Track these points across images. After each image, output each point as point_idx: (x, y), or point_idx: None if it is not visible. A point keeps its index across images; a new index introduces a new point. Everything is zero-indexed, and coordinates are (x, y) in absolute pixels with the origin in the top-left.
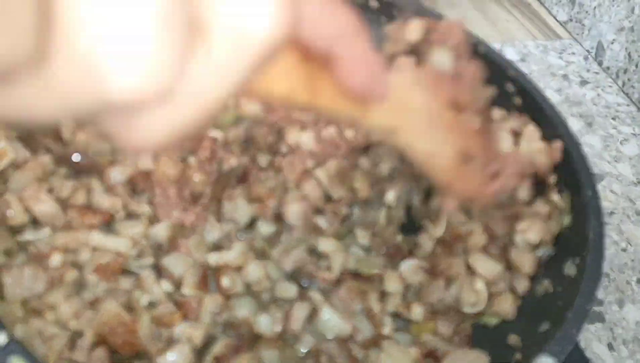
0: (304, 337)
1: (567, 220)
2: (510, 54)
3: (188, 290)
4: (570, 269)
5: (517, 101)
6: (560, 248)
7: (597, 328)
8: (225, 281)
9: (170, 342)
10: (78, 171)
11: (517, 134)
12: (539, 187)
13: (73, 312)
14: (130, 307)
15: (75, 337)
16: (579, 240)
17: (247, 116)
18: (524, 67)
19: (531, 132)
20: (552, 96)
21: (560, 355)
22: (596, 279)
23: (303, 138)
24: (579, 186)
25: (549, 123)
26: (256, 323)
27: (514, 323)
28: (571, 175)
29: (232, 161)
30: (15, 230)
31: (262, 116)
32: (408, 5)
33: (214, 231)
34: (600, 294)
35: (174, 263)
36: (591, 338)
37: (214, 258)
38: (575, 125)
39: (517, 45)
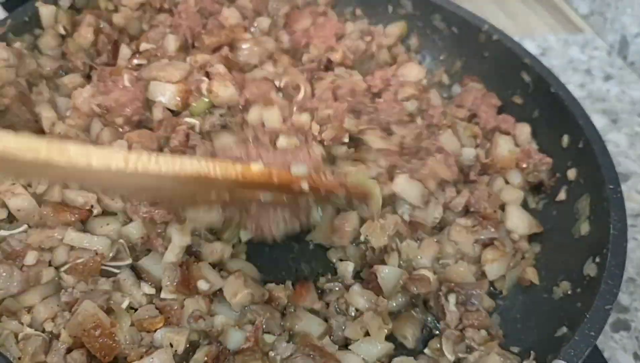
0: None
1: (584, 228)
2: (530, 47)
3: (168, 293)
4: (590, 268)
5: (533, 89)
6: (580, 248)
7: (622, 336)
8: (201, 284)
9: (151, 347)
10: None
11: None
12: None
13: (49, 313)
14: (109, 309)
15: (51, 339)
16: (600, 237)
17: (220, 104)
18: (544, 62)
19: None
20: (575, 92)
21: (574, 360)
22: (617, 278)
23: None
24: (600, 183)
25: (569, 115)
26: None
27: (530, 329)
28: (592, 172)
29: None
30: None
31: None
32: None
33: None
34: (625, 300)
35: (152, 264)
36: (615, 347)
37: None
38: (599, 122)
39: (537, 38)
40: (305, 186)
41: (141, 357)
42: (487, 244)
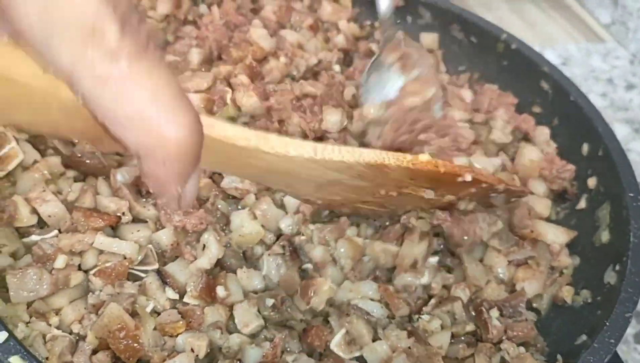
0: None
1: (605, 236)
2: (551, 57)
3: (191, 298)
4: (610, 276)
5: (553, 98)
6: (600, 257)
7: None
8: (219, 291)
9: (173, 351)
10: (86, 173)
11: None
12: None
13: (76, 316)
14: (134, 312)
15: (77, 340)
16: (620, 246)
17: (245, 112)
18: (565, 71)
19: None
20: (596, 101)
21: None
22: (637, 285)
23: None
24: (620, 191)
25: (588, 123)
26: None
27: (549, 337)
28: (612, 180)
29: None
30: (22, 232)
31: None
32: (442, 8)
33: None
34: None
35: (178, 270)
36: (639, 358)
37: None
38: (621, 131)
39: (557, 48)
40: (469, 177)
41: (163, 360)
42: (520, 264)
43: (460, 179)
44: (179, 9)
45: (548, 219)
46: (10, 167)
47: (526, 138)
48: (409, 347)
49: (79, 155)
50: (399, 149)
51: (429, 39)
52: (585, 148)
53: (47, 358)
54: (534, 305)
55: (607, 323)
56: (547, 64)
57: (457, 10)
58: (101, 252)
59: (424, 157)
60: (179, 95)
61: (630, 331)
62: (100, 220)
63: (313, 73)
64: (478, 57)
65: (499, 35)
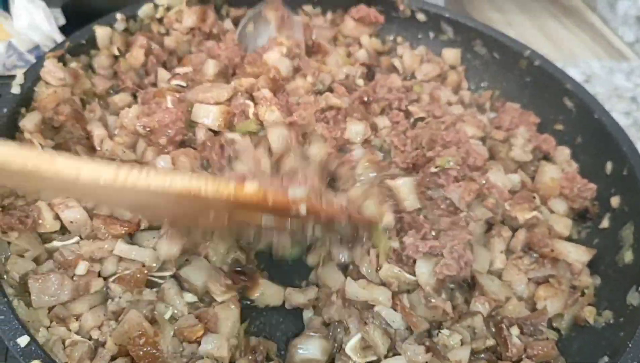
0: None
1: (628, 256)
2: (574, 74)
3: (218, 296)
4: (633, 298)
5: (576, 115)
6: (623, 277)
7: None
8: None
9: (192, 358)
10: None
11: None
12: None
13: (96, 322)
14: (153, 319)
15: (96, 347)
16: None
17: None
18: (588, 89)
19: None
20: (620, 120)
21: None
22: None
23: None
24: None
25: (612, 141)
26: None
27: (571, 358)
28: (637, 200)
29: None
30: (44, 238)
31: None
32: (464, 24)
33: None
34: None
35: (192, 272)
36: None
37: None
38: None
39: (580, 65)
40: (303, 210)
41: None
42: (541, 282)
43: (293, 212)
44: (203, 22)
45: (569, 239)
46: None
47: (546, 157)
48: (427, 362)
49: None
50: (414, 165)
51: (451, 54)
52: (609, 166)
53: None
54: (554, 324)
55: (630, 345)
56: (571, 81)
57: (480, 27)
58: (120, 259)
59: (251, 187)
60: None
61: None
62: (120, 227)
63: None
64: (500, 73)
65: (522, 51)
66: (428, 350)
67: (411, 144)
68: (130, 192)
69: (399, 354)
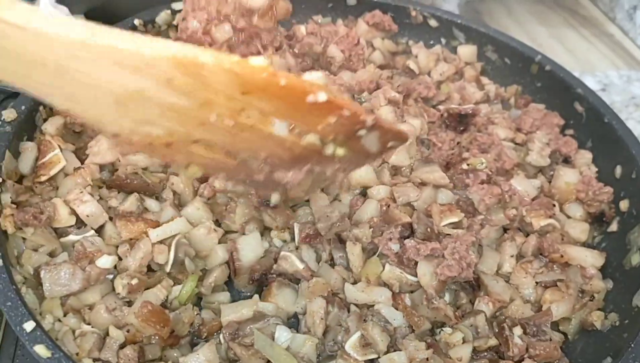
0: None
1: (635, 259)
2: (591, 83)
3: None
4: (639, 300)
5: (587, 120)
6: (630, 280)
7: None
8: None
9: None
10: (130, 192)
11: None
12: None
13: (106, 309)
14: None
15: (104, 336)
16: None
17: None
18: (605, 98)
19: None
20: (636, 128)
21: None
22: None
23: None
24: None
25: (622, 145)
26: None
27: (573, 359)
28: None
29: None
30: (60, 232)
31: None
32: (476, 30)
33: None
34: None
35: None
36: None
37: None
38: None
39: (597, 74)
40: (322, 96)
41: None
42: (548, 286)
43: (310, 98)
44: None
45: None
46: (53, 172)
47: (566, 160)
48: (427, 358)
49: (124, 177)
50: (448, 163)
51: (467, 51)
52: (618, 170)
53: (77, 354)
54: (561, 328)
55: (632, 345)
56: (582, 85)
57: (491, 32)
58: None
59: (257, 60)
60: None
61: None
62: (144, 223)
63: None
64: (512, 78)
65: (533, 56)
66: (429, 346)
67: (449, 143)
68: (116, 61)
69: (400, 350)
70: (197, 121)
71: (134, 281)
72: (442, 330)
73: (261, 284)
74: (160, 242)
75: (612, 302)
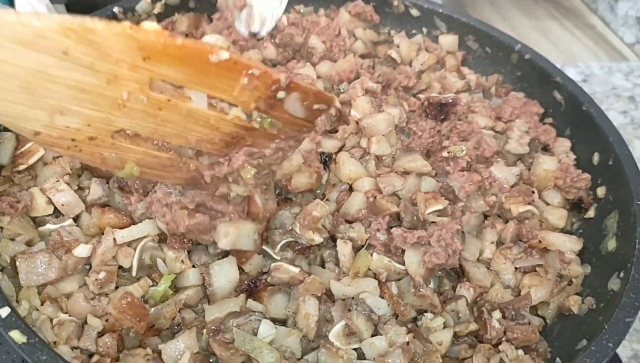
0: None
1: (612, 244)
2: (572, 74)
3: None
4: (614, 283)
5: (566, 108)
6: (607, 265)
7: None
8: None
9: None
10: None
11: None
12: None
13: (84, 298)
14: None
15: (83, 324)
16: (626, 253)
17: None
18: (586, 88)
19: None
20: (617, 118)
21: None
22: (639, 291)
23: None
24: (629, 199)
25: (599, 132)
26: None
27: (550, 343)
28: (621, 189)
29: None
30: (37, 221)
31: None
32: (457, 19)
33: None
34: None
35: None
36: None
37: None
38: None
39: (579, 65)
40: (224, 54)
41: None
42: (527, 271)
43: (213, 58)
44: (196, 29)
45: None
46: (31, 161)
47: (546, 148)
48: (407, 343)
49: None
50: (428, 151)
51: (449, 40)
52: (596, 157)
53: (54, 343)
54: (540, 312)
55: (606, 327)
56: (560, 74)
57: (472, 21)
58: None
59: (150, 25)
60: None
61: None
62: (115, 216)
63: None
64: (492, 68)
65: (513, 46)
66: (410, 331)
67: (429, 132)
68: (2, 42)
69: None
70: (110, 101)
71: (102, 276)
72: (424, 315)
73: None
74: (128, 244)
75: (588, 287)
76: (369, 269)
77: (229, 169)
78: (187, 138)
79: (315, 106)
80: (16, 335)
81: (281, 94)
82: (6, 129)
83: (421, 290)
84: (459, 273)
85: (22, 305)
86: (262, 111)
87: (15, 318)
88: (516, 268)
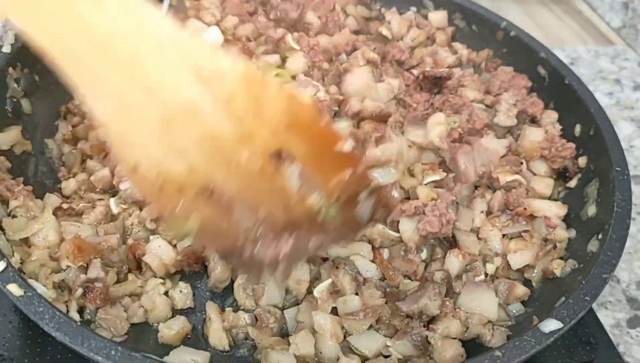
0: None
1: (592, 210)
2: (559, 57)
3: None
4: (593, 245)
5: (549, 82)
6: (587, 229)
7: (639, 333)
8: None
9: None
10: None
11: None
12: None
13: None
14: None
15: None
16: (605, 216)
17: None
18: (573, 70)
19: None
20: (602, 99)
21: (567, 320)
22: (616, 250)
23: None
24: (608, 166)
25: (581, 103)
26: None
27: (531, 303)
28: (601, 157)
29: None
30: None
31: None
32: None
33: None
34: None
35: None
36: (631, 342)
37: None
38: (626, 128)
39: (566, 49)
40: (349, 145)
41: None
42: (514, 237)
43: (339, 146)
44: None
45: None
46: None
47: (533, 120)
48: (380, 305)
49: None
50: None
51: (438, 17)
52: (577, 129)
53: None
54: (526, 275)
55: (584, 282)
56: (544, 49)
57: (459, 0)
58: None
59: (307, 97)
60: None
61: (622, 316)
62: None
63: None
64: (479, 45)
65: (499, 23)
66: (385, 295)
67: (424, 104)
68: (183, 66)
69: None
70: (228, 157)
71: None
72: (403, 281)
73: None
74: None
75: (570, 251)
76: (364, 235)
77: (273, 253)
78: (258, 209)
79: (377, 215)
80: (13, 289)
81: (362, 196)
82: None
83: (409, 255)
84: (452, 243)
85: (14, 258)
86: (336, 207)
87: (12, 272)
88: (504, 235)
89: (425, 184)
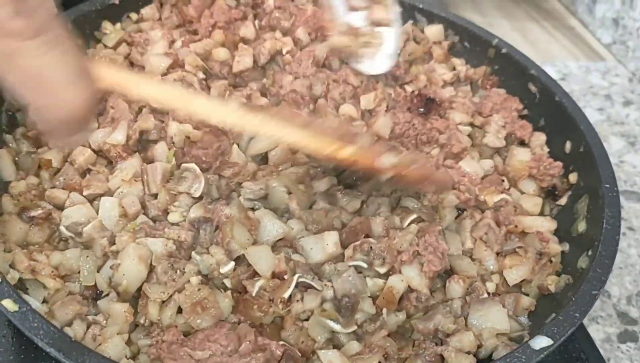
0: None
1: (582, 226)
2: (550, 73)
3: None
4: (583, 262)
5: (540, 99)
6: (577, 246)
7: (630, 348)
8: None
9: None
10: None
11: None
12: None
13: None
14: None
15: None
16: (594, 233)
17: None
18: (564, 86)
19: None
20: (593, 115)
21: (557, 337)
22: (606, 267)
23: None
24: (598, 183)
25: (570, 121)
26: None
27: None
28: (591, 174)
29: None
30: None
31: None
32: (437, 15)
33: None
34: (634, 313)
35: None
36: (622, 357)
37: None
38: (616, 144)
39: (557, 65)
40: (389, 173)
41: None
42: (508, 254)
43: (382, 176)
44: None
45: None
46: None
47: (522, 143)
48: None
49: None
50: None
51: (434, 30)
52: (568, 145)
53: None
54: (524, 290)
55: (573, 299)
56: (535, 66)
57: (451, 17)
58: None
59: (346, 151)
60: (80, 71)
61: (613, 331)
62: None
63: None
64: (471, 62)
65: (491, 40)
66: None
67: (402, 125)
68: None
69: None
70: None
71: None
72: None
73: None
74: None
75: (561, 268)
76: None
77: None
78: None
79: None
80: (8, 304)
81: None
82: None
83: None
84: (449, 272)
85: (10, 275)
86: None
87: (7, 287)
88: (498, 254)
89: (408, 226)
